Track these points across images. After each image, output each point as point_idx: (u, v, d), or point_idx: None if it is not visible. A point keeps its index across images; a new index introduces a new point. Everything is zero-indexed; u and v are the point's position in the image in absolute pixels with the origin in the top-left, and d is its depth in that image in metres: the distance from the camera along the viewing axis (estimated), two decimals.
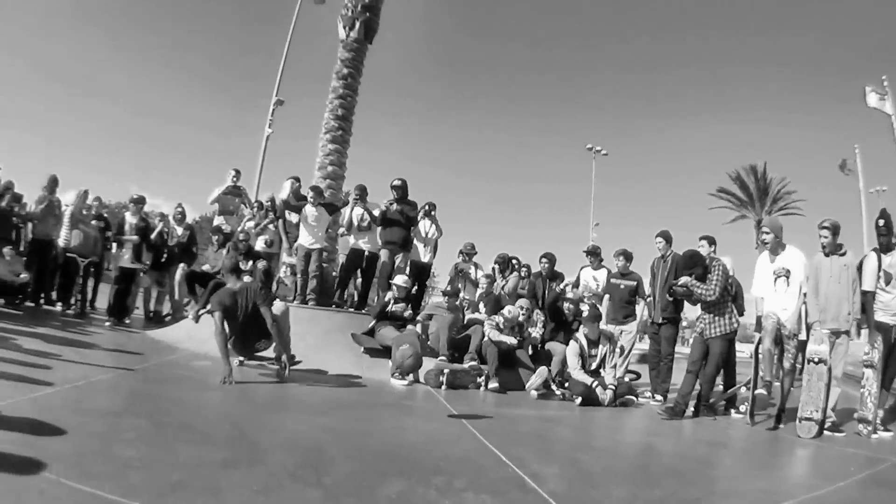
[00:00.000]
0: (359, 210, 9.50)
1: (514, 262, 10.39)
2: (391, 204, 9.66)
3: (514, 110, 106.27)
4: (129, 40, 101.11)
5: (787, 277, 6.45)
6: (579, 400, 7.05)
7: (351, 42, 12.65)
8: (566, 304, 8.83)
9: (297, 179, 9.76)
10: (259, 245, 9.91)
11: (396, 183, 9.78)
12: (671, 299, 7.57)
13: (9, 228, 9.45)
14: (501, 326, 8.13)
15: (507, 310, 8.30)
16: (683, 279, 6.76)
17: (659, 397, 7.85)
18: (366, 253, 9.48)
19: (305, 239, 9.27)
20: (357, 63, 12.60)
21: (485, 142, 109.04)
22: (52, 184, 9.81)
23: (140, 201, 10.20)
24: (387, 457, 3.70)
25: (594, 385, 7.11)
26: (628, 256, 8.71)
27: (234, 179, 10.96)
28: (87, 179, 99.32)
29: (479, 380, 7.49)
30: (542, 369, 7.39)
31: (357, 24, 12.68)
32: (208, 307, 6.84)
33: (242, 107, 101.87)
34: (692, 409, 6.75)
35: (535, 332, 8.71)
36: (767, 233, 6.73)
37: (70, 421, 3.55)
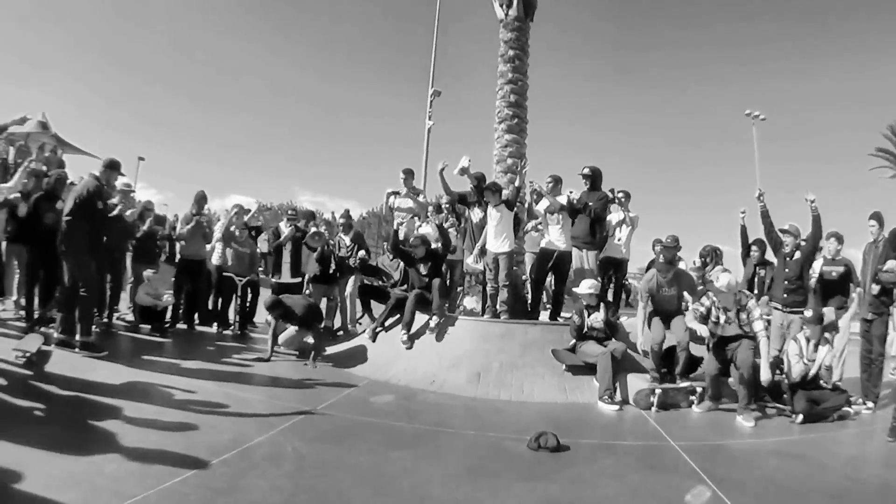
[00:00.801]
0: (545, 202, 8.04)
1: (717, 251, 8.77)
2: (571, 193, 8.20)
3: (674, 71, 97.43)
4: (282, 34, 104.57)
5: None
6: (800, 418, 6.05)
7: (511, 21, 11.20)
8: None
9: (482, 178, 8.21)
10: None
11: (586, 172, 8.24)
12: (877, 291, 6.65)
13: (152, 250, 8.96)
14: (713, 310, 6.49)
15: (721, 280, 6.37)
16: (890, 263, 6.07)
17: (870, 403, 6.79)
18: (557, 252, 7.97)
19: (492, 243, 7.76)
20: (522, 43, 11.06)
21: (641, 104, 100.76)
22: (200, 200, 9.15)
23: (294, 217, 9.20)
24: None
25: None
26: (840, 238, 7.43)
27: (405, 181, 9.58)
28: (249, 180, 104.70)
29: (691, 398, 6.52)
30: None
31: (515, 1, 11.24)
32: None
33: (405, 94, 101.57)
34: None
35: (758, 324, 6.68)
36: None
37: None
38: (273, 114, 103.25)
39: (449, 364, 6.87)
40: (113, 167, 6.77)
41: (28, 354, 5.29)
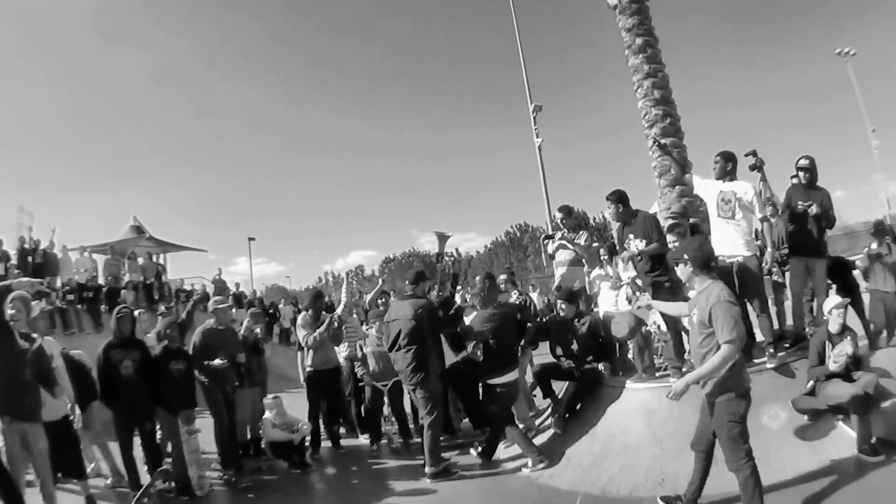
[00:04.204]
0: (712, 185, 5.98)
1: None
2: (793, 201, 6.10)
3: None
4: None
5: None
6: None
7: (627, 4, 9.45)
8: None
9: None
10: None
11: (804, 163, 6.15)
12: None
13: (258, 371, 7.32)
14: None
15: None
16: None
17: None
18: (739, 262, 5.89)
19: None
20: (647, 27, 9.31)
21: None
22: (318, 298, 7.65)
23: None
24: None
25: None
26: None
27: (564, 221, 7.51)
28: (368, 234, 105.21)
29: None
30: None
31: None
32: None
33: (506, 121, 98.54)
34: None
35: None
36: None
37: None
38: (380, 167, 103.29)
39: (674, 451, 5.22)
40: (421, 279, 6.34)
41: None
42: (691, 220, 7.52)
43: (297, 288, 53.02)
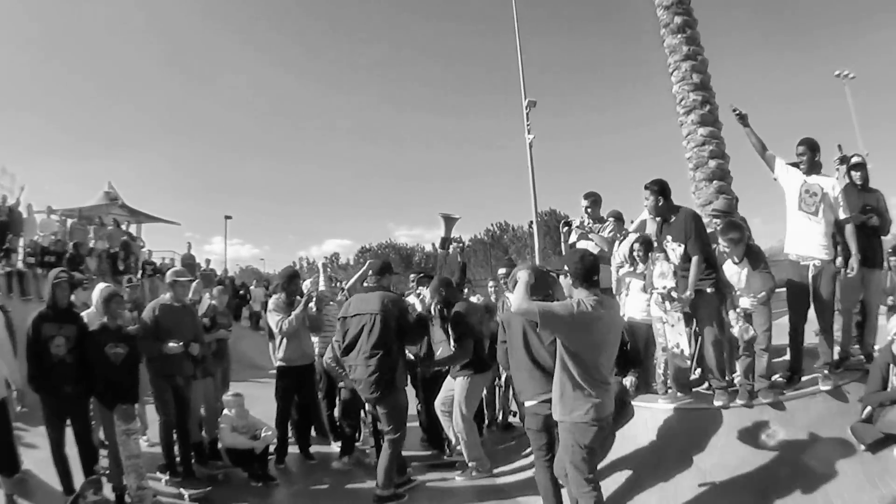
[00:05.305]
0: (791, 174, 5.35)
1: None
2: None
3: None
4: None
5: None
6: None
7: None
8: None
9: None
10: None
11: (858, 160, 5.79)
12: None
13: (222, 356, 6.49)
14: None
15: None
16: None
17: None
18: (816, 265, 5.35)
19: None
20: (686, 7, 8.25)
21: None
22: (291, 279, 6.60)
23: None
24: None
25: None
26: None
27: (590, 210, 6.65)
28: (343, 223, 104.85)
29: None
30: None
31: None
32: None
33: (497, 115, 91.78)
34: None
35: None
36: None
37: None
38: (358, 154, 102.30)
39: (720, 485, 4.74)
40: (387, 270, 5.49)
41: None
42: None
43: (272, 271, 52.29)
